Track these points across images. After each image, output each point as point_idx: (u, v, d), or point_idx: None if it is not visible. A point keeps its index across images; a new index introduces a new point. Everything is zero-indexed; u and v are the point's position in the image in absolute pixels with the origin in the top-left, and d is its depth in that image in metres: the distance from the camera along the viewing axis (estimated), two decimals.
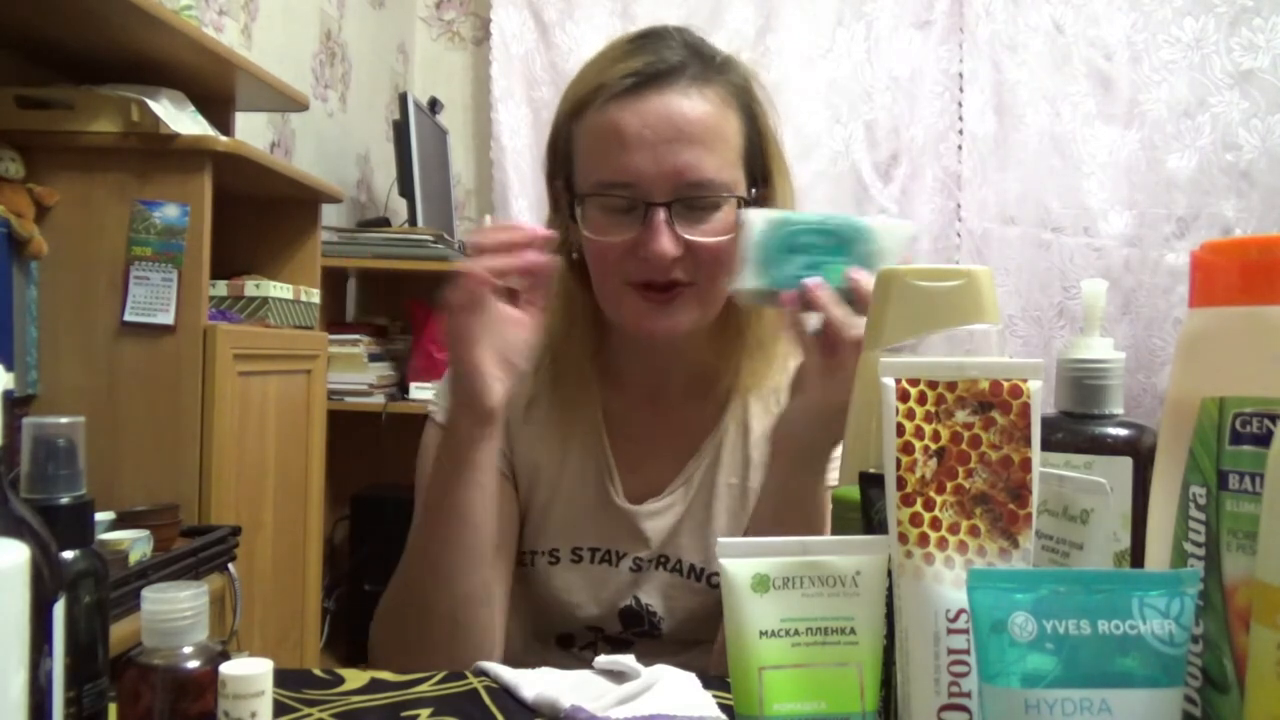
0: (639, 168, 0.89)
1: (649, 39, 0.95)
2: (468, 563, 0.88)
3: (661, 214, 0.89)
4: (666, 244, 0.89)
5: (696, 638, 0.98)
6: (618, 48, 0.96)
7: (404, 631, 0.89)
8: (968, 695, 0.48)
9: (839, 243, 0.83)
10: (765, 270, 0.85)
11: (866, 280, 0.80)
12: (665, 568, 0.99)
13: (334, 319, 2.48)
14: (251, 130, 2.07)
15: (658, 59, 0.92)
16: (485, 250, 0.84)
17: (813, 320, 0.83)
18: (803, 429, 0.84)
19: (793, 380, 0.89)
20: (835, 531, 0.63)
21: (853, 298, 0.82)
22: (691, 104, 0.90)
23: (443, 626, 0.88)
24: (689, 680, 0.72)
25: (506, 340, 0.84)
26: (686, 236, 0.90)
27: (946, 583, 0.49)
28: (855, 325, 0.79)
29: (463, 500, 0.87)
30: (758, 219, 0.85)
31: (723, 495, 0.99)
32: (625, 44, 0.96)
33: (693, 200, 0.90)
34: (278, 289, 1.62)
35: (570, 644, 1.02)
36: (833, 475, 0.95)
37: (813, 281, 0.82)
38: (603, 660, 0.75)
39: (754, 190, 0.95)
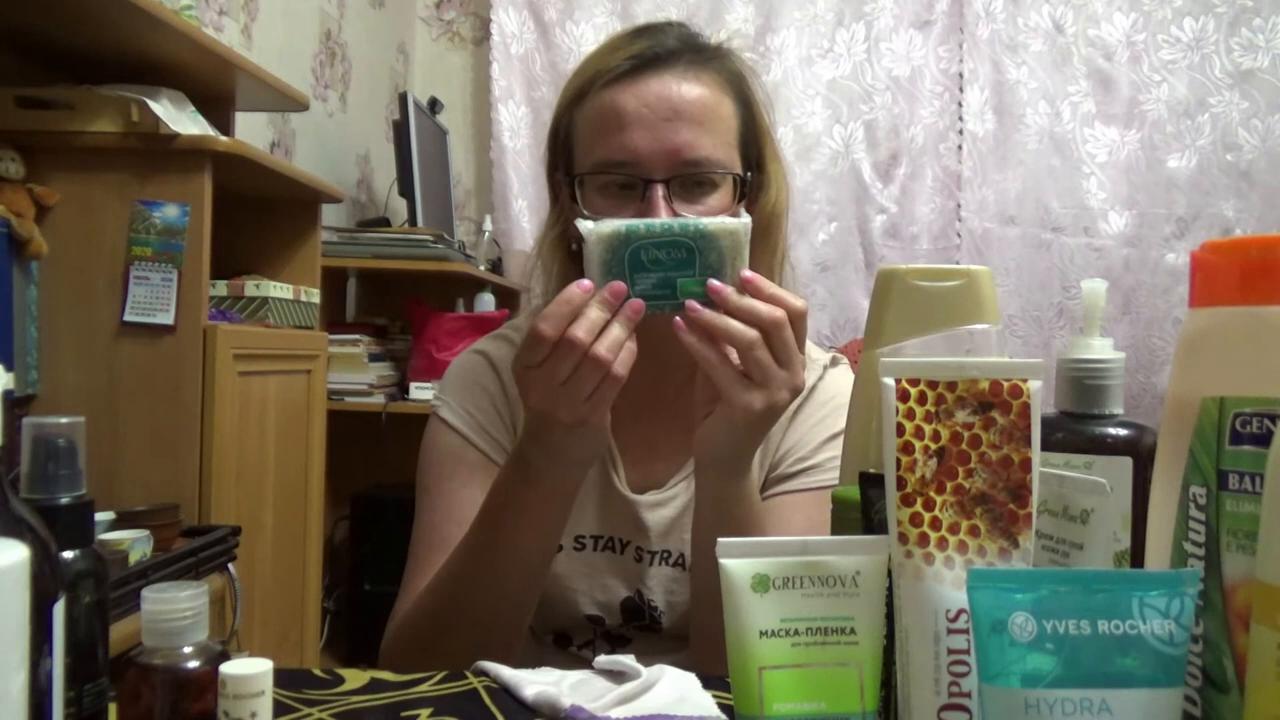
0: (637, 146, 0.90)
1: (647, 30, 0.98)
2: (534, 593, 0.92)
3: (660, 190, 0.90)
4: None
5: None
6: (617, 39, 0.98)
7: (436, 658, 0.87)
8: (968, 695, 0.48)
9: (685, 254, 0.79)
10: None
11: (734, 296, 0.78)
12: (667, 562, 0.99)
13: (334, 319, 2.48)
14: (251, 130, 2.07)
15: (656, 44, 0.94)
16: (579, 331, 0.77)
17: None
18: (725, 438, 0.82)
19: (700, 398, 0.85)
20: (835, 531, 0.63)
21: (721, 306, 0.78)
22: (688, 86, 0.92)
23: (494, 642, 0.88)
24: (689, 680, 0.72)
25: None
26: (684, 214, 0.90)
27: (946, 583, 0.49)
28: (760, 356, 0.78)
29: (554, 539, 0.90)
30: (594, 242, 0.79)
31: None
32: (624, 35, 0.98)
33: (690, 178, 0.91)
34: (278, 289, 1.62)
35: (568, 643, 1.02)
36: (830, 475, 0.95)
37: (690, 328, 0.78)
38: (603, 660, 0.75)
39: (749, 174, 0.96)
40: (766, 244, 0.98)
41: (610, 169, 0.92)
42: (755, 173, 0.98)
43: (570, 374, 0.77)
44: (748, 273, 0.79)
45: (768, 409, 0.79)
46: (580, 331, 0.76)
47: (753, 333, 0.77)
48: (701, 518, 0.87)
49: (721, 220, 0.80)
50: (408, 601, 0.96)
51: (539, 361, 0.77)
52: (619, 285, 0.78)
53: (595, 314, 0.77)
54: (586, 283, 0.78)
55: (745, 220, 0.80)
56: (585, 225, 0.80)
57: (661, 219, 0.81)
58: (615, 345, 0.77)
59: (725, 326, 0.77)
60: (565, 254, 1.00)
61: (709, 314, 0.78)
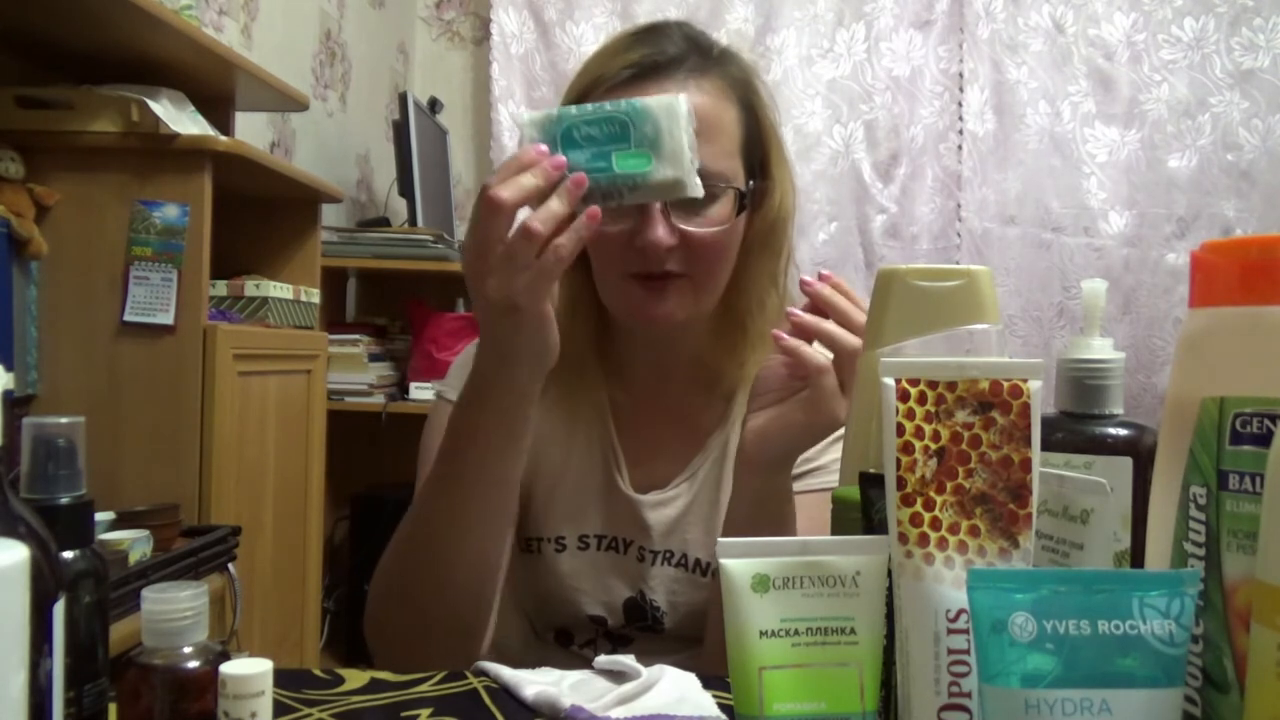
0: None
1: (650, 33, 0.97)
2: (499, 527, 0.88)
3: (657, 204, 0.89)
4: (661, 234, 0.89)
5: (698, 634, 0.98)
6: (619, 42, 0.97)
7: (411, 607, 0.84)
8: (968, 695, 0.48)
9: (619, 129, 0.77)
10: None
11: (835, 296, 0.82)
12: (670, 562, 0.99)
13: (334, 319, 2.48)
14: (251, 130, 2.07)
15: (656, 51, 0.93)
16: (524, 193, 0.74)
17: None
18: (796, 440, 0.83)
19: (760, 390, 0.84)
20: (835, 531, 0.63)
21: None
22: (688, 95, 0.91)
23: (459, 598, 0.86)
24: (689, 680, 0.72)
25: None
26: (682, 227, 0.90)
27: (946, 583, 0.49)
28: (850, 340, 0.80)
29: (511, 463, 0.85)
30: (526, 124, 0.78)
31: (728, 490, 0.99)
32: (626, 38, 0.97)
33: None
34: (278, 289, 1.62)
35: (570, 641, 1.02)
36: (833, 477, 0.95)
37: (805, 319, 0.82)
38: (603, 660, 0.75)
39: (752, 182, 0.95)
40: (772, 246, 0.98)
41: None
42: (759, 178, 0.97)
43: (499, 241, 0.74)
44: (826, 272, 0.82)
45: (844, 419, 0.79)
46: (505, 192, 0.73)
47: (856, 341, 0.78)
48: (738, 515, 0.87)
49: (657, 97, 0.79)
50: None
51: (479, 221, 0.75)
52: (560, 159, 0.75)
53: (528, 180, 0.74)
54: (543, 146, 0.76)
55: (681, 96, 0.79)
56: (518, 114, 0.79)
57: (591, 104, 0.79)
58: (550, 219, 0.74)
59: (833, 334, 0.80)
60: None
61: (817, 320, 0.80)
